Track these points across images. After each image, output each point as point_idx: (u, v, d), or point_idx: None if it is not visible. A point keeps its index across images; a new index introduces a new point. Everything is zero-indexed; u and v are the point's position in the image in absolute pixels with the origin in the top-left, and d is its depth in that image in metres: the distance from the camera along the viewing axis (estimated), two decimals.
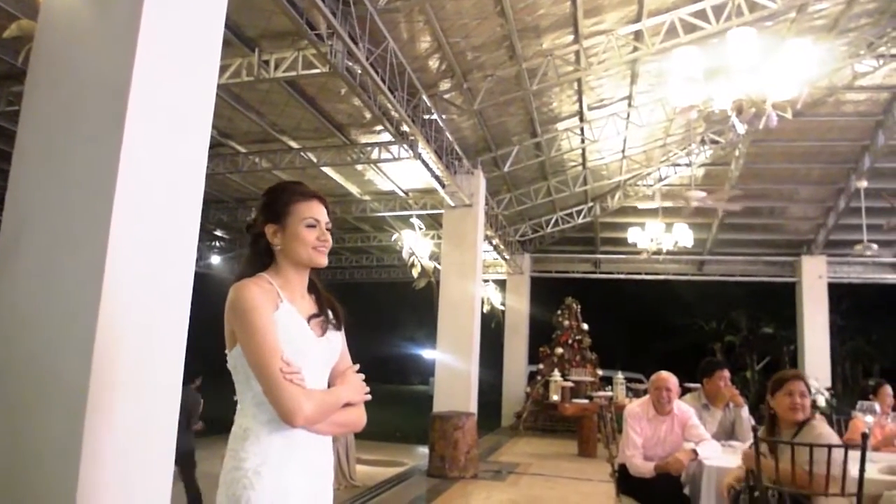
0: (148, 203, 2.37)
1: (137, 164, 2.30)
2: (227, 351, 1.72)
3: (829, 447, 2.84)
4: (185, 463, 5.24)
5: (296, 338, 1.70)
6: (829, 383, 12.36)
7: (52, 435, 2.15)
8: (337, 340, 1.83)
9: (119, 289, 2.21)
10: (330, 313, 1.85)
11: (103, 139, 2.29)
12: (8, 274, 2.36)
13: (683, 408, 4.19)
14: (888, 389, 4.76)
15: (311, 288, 1.86)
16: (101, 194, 2.23)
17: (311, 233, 1.78)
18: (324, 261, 1.81)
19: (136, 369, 2.29)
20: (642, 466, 4.00)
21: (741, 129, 5.64)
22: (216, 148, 8.63)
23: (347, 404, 1.75)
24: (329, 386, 1.79)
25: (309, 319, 1.77)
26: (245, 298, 1.66)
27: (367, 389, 1.81)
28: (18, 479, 2.18)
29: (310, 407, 1.62)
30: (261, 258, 1.81)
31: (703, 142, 10.74)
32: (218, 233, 14.15)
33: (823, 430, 3.04)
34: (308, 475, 1.69)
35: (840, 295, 16.81)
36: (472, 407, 8.48)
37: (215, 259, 15.19)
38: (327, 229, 1.82)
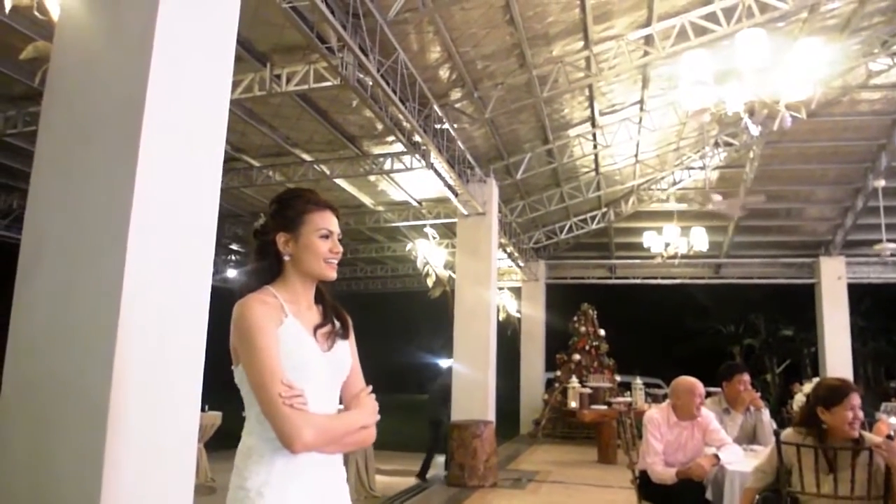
0: (164, 218, 2.39)
1: (153, 180, 2.32)
2: (232, 367, 1.70)
3: (871, 449, 2.78)
4: None
5: (299, 354, 1.66)
6: None
7: (74, 447, 2.17)
8: (345, 352, 1.77)
9: (138, 303, 2.22)
10: (337, 323, 1.79)
11: (119, 156, 2.31)
12: (29, 290, 2.39)
13: (704, 412, 4.14)
14: None
15: (318, 297, 1.80)
16: (117, 210, 2.25)
17: (324, 244, 1.74)
18: (333, 274, 1.77)
19: (156, 382, 2.31)
20: (663, 473, 3.96)
21: (755, 130, 5.61)
22: (230, 162, 8.70)
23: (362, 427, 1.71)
24: (343, 403, 1.77)
25: (315, 331, 1.72)
26: (248, 317, 1.62)
27: (377, 408, 1.76)
28: (43, 490, 2.19)
29: (309, 434, 1.57)
30: (269, 268, 1.76)
31: (716, 144, 10.68)
32: (234, 247, 14.24)
33: (878, 441, 2.97)
34: (313, 495, 1.64)
35: (860, 295, 16.64)
36: (491, 415, 8.45)
37: (231, 273, 15.27)
38: (339, 241, 1.79)
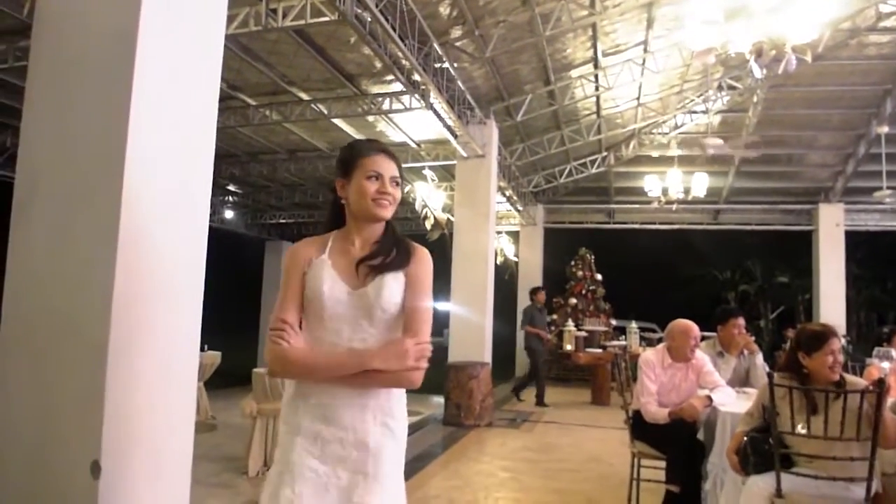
0: (160, 153, 2.35)
1: (148, 114, 2.27)
2: None
3: (862, 392, 2.83)
4: None
5: (316, 290, 1.78)
6: (844, 331, 12.36)
7: (74, 383, 2.19)
8: (386, 287, 1.78)
9: (135, 240, 2.21)
10: (389, 257, 1.82)
11: (112, 91, 2.26)
12: (24, 228, 2.37)
13: (699, 355, 4.20)
14: None
15: (386, 234, 1.88)
16: (113, 145, 2.21)
17: (372, 185, 1.82)
18: (385, 213, 1.84)
19: (155, 320, 2.31)
20: (657, 413, 4.03)
21: (759, 73, 5.51)
22: (226, 101, 8.55)
23: (377, 370, 1.72)
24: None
25: (357, 266, 1.81)
26: (285, 259, 1.87)
27: (418, 357, 1.75)
28: (44, 426, 2.23)
29: (275, 364, 1.78)
30: (332, 214, 1.93)
31: (720, 88, 10.50)
32: (230, 187, 14.14)
33: (860, 384, 3.03)
34: (317, 419, 1.77)
35: (857, 243, 16.69)
36: (487, 357, 8.57)
37: (228, 213, 15.23)
38: (396, 184, 1.86)
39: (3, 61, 6.89)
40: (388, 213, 1.85)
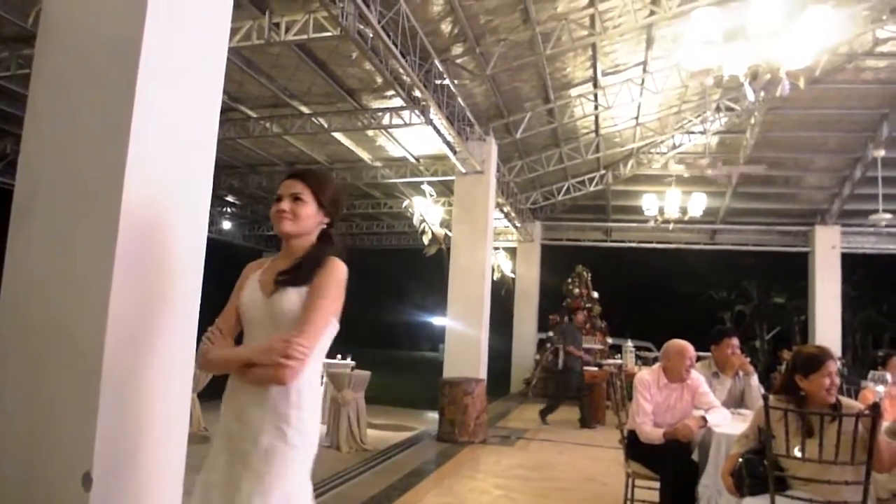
0: (161, 163, 2.35)
1: (149, 125, 2.28)
2: None
3: (857, 416, 2.83)
4: None
5: (243, 300, 2.06)
6: (839, 354, 12.36)
7: (69, 395, 2.17)
8: (288, 298, 1.97)
9: (133, 250, 2.20)
10: (300, 268, 2.01)
11: (115, 100, 2.26)
12: (23, 235, 2.36)
13: (694, 375, 4.19)
14: None
15: (308, 250, 2.08)
16: (113, 155, 2.21)
17: (275, 205, 2.06)
18: (283, 227, 2.04)
19: (151, 331, 2.30)
20: (652, 433, 4.02)
21: (752, 95, 5.54)
22: (227, 113, 8.59)
23: (252, 364, 1.92)
24: None
25: (275, 280, 2.01)
26: None
27: (284, 354, 1.85)
28: (39, 435, 2.21)
29: (196, 359, 2.15)
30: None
31: (717, 109, 10.58)
32: (229, 199, 14.16)
33: (856, 407, 3.02)
34: (231, 416, 2.00)
35: (853, 265, 16.71)
36: (482, 373, 8.54)
37: (227, 224, 15.23)
38: (296, 199, 2.03)
39: (6, 68, 6.93)
40: (286, 227, 2.04)
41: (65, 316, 2.23)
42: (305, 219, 2.04)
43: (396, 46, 5.88)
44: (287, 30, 5.97)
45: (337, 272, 1.99)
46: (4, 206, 2.59)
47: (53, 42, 2.47)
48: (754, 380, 4.60)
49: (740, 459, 3.09)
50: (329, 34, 5.89)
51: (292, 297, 1.96)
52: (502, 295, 14.24)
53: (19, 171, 2.41)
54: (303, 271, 1.99)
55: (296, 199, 2.03)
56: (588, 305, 13.58)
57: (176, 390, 2.44)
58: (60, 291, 2.26)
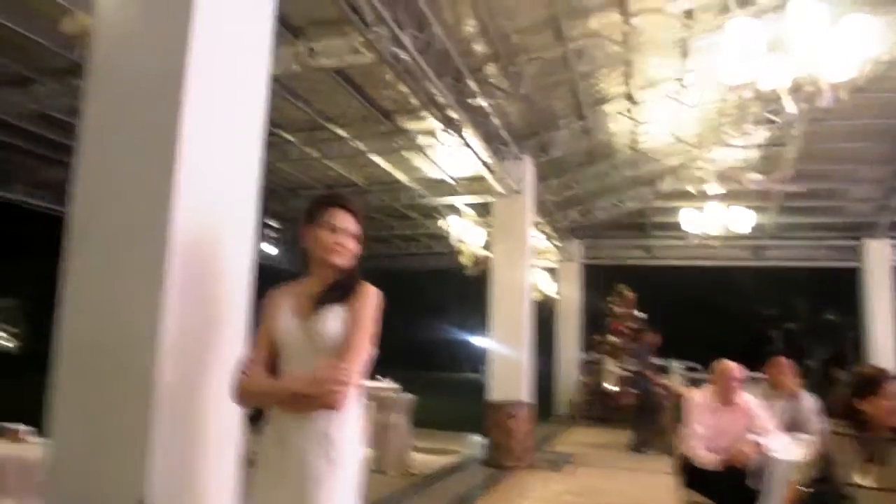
0: (208, 194, 2.38)
1: (195, 155, 2.30)
2: None
3: None
4: None
5: (275, 326, 2.06)
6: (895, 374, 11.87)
7: (122, 424, 2.18)
8: (329, 319, 2.00)
9: (182, 280, 2.22)
10: (337, 291, 2.05)
11: (160, 132, 2.30)
12: (77, 266, 2.39)
13: (745, 397, 4.05)
14: None
15: (340, 275, 2.10)
16: (160, 185, 2.24)
17: (329, 236, 2.08)
18: (339, 261, 2.08)
19: (201, 361, 2.31)
20: (706, 458, 3.88)
21: (792, 108, 5.40)
22: (266, 138, 8.73)
23: (299, 394, 1.93)
24: None
25: (309, 302, 2.05)
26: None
27: (335, 380, 1.88)
28: (92, 466, 2.22)
29: (232, 392, 2.06)
30: (305, 261, 2.17)
31: (757, 122, 10.35)
32: (271, 222, 14.36)
33: None
34: (273, 442, 2.01)
35: None
36: (526, 396, 8.41)
37: (270, 248, 15.41)
38: (354, 236, 2.10)
39: (56, 99, 7.16)
40: (343, 261, 2.09)
41: (117, 346, 2.25)
42: (355, 252, 2.13)
43: (430, 67, 5.90)
44: (323, 55, 6.05)
45: (372, 297, 2.06)
46: (53, 231, 2.64)
47: (101, 79, 2.52)
48: (809, 402, 4.43)
49: (806, 489, 2.94)
50: (364, 58, 5.94)
51: (330, 318, 2.00)
52: (545, 316, 14.08)
53: (74, 201, 2.45)
54: (340, 293, 2.04)
55: (353, 236, 2.11)
56: (633, 325, 13.30)
57: (228, 416, 2.42)
58: (112, 321, 2.28)
